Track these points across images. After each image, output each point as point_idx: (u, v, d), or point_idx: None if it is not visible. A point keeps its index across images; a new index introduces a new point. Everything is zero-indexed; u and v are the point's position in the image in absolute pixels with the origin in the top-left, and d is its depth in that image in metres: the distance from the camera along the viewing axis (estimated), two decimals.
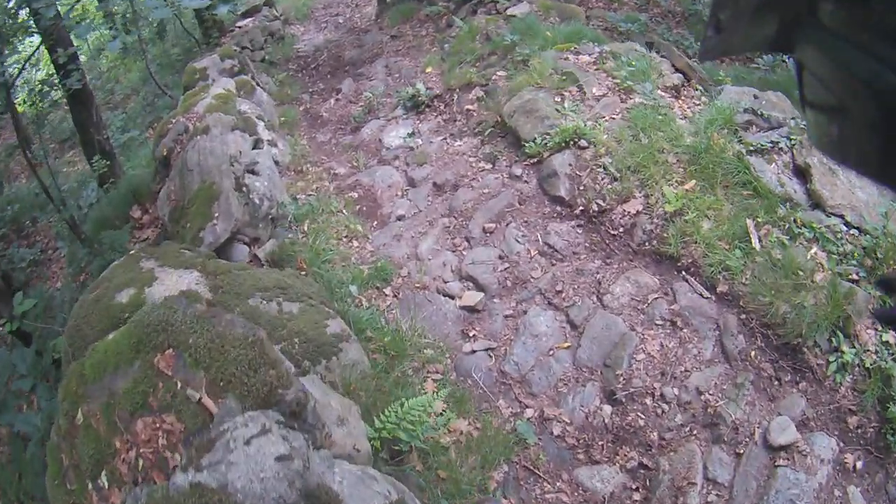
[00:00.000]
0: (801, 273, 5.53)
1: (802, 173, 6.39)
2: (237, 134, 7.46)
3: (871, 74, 0.62)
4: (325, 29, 15.91)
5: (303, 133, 10.08)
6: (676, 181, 6.52)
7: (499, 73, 9.15)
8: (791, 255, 5.64)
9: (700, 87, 8.35)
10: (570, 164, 7.11)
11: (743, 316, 5.63)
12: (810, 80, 0.76)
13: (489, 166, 7.92)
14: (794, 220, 5.94)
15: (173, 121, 8.24)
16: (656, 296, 6.01)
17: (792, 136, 6.64)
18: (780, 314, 5.42)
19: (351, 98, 10.93)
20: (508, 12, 10.76)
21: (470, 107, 9.06)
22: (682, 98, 8.06)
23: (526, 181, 7.42)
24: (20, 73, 8.79)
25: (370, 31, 13.64)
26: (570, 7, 11.16)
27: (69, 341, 4.67)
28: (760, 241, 5.87)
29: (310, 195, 8.01)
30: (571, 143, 7.24)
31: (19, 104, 11.23)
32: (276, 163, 8.13)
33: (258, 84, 10.09)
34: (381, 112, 10.09)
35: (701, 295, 5.85)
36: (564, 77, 8.22)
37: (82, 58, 14.52)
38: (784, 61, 10.75)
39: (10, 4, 5.75)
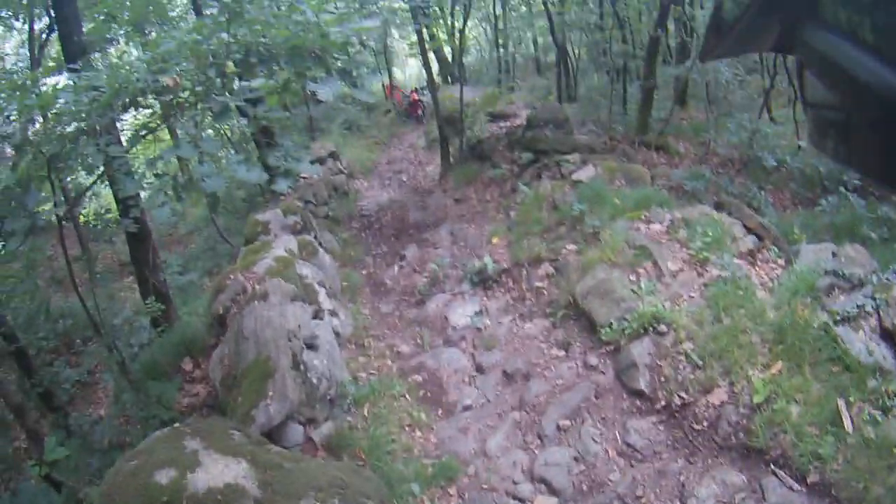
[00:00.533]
0: (895, 451, 5.06)
1: (891, 336, 5.92)
2: (297, 305, 7.17)
3: (871, 75, 0.62)
4: (388, 186, 15.94)
5: (365, 301, 9.79)
6: (762, 364, 6.06)
7: (568, 247, 8.85)
8: (884, 432, 5.18)
9: (775, 248, 8.03)
10: (650, 354, 6.68)
11: None
12: (812, 80, 0.76)
13: (562, 353, 7.49)
14: (886, 392, 5.45)
15: (232, 277, 8.01)
16: (743, 495, 5.45)
17: (877, 296, 6.19)
18: (873, 498, 4.93)
19: (416, 266, 10.65)
20: (574, 177, 10.58)
21: (540, 284, 8.72)
22: (759, 263, 7.75)
23: (602, 372, 6.98)
24: (74, 204, 8.59)
25: (434, 193, 13.55)
26: (635, 168, 11.05)
27: None
28: (852, 421, 5.40)
29: (371, 374, 7.64)
30: (650, 328, 6.82)
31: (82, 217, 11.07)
32: (337, 334, 7.82)
33: (321, 244, 9.90)
34: (447, 285, 9.77)
35: (791, 488, 5.32)
36: (638, 252, 7.89)
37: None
38: (848, 199, 10.43)
39: (70, 129, 5.61)
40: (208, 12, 4.81)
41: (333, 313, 8.06)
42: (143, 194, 9.31)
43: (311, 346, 6.94)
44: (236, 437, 5.14)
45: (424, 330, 8.85)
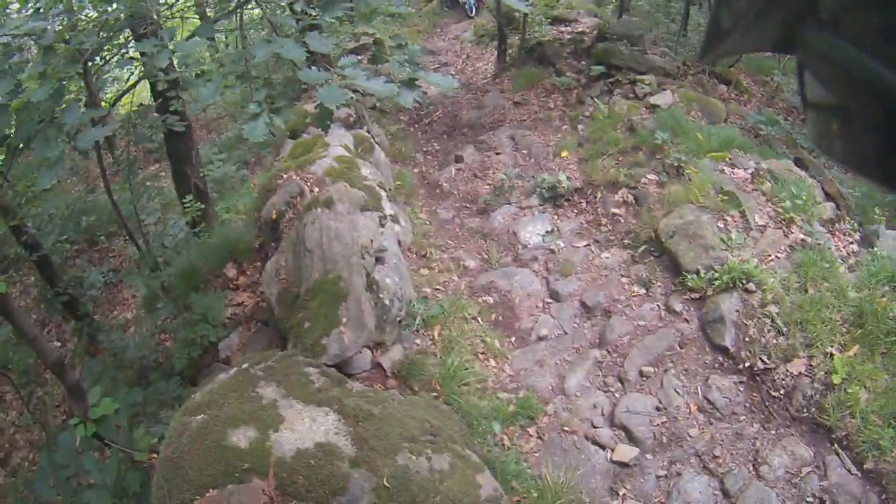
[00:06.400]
0: None
1: None
2: (368, 216, 6.74)
3: (871, 75, 0.60)
4: None
5: (422, 205, 9.36)
6: (839, 343, 6.02)
7: (649, 177, 8.42)
8: None
9: (851, 220, 7.89)
10: (737, 311, 6.45)
11: (884, 496, 5.24)
12: (811, 80, 0.74)
13: (643, 292, 7.18)
14: None
15: (284, 176, 7.55)
16: (809, 469, 5.55)
17: None
18: None
19: (476, 171, 10.12)
20: (651, 101, 10.06)
21: (616, 210, 8.33)
22: (837, 234, 7.56)
23: (687, 320, 6.72)
24: (112, 105, 7.89)
25: (490, 92, 12.78)
26: (710, 101, 10.52)
27: (165, 474, 3.96)
28: None
29: (437, 290, 7.32)
30: (739, 284, 6.56)
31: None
32: (399, 243, 7.38)
33: (374, 139, 9.35)
34: (513, 196, 9.30)
35: (849, 471, 5.44)
36: (725, 197, 7.51)
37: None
38: None
39: (112, 8, 4.85)
40: None
41: (395, 219, 7.61)
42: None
43: (379, 261, 6.57)
44: (315, 379, 4.71)
45: (491, 244, 8.47)
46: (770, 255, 6.92)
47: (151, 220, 11.23)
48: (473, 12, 19.53)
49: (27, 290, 11.13)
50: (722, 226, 7.26)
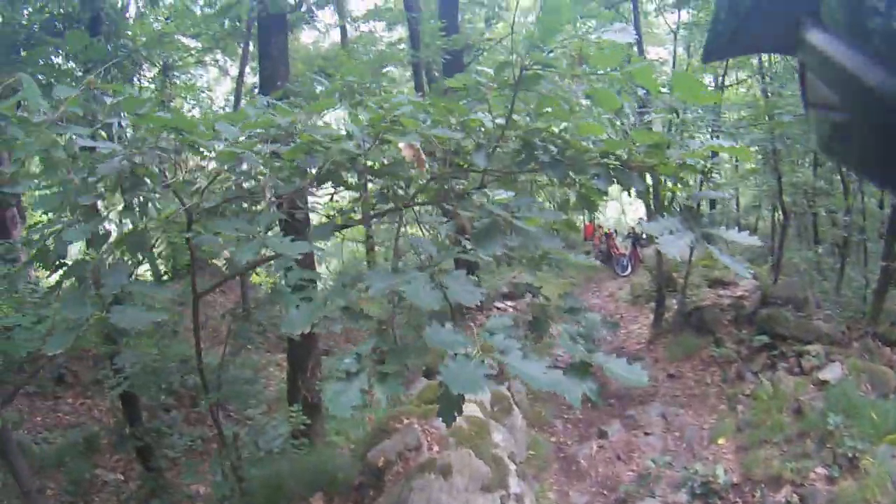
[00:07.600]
0: None
1: None
2: (489, 499, 5.99)
3: (872, 76, 0.62)
4: None
5: (553, 483, 8.45)
6: None
7: (818, 471, 7.35)
8: None
9: None
10: None
11: None
12: (813, 81, 0.77)
13: None
14: None
15: (405, 420, 7.03)
16: None
17: None
18: None
19: (620, 452, 9.20)
20: (820, 376, 9.27)
21: None
22: None
23: None
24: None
25: (643, 360, 12.03)
26: (879, 369, 9.73)
27: None
28: None
29: None
30: None
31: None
32: None
33: (513, 398, 8.70)
34: (659, 488, 8.17)
35: None
36: None
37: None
38: None
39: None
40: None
41: (520, 499, 6.78)
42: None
43: None
44: None
45: None
46: None
47: (257, 411, 10.69)
48: (628, 270, 19.33)
49: (114, 412, 10.74)
50: None
